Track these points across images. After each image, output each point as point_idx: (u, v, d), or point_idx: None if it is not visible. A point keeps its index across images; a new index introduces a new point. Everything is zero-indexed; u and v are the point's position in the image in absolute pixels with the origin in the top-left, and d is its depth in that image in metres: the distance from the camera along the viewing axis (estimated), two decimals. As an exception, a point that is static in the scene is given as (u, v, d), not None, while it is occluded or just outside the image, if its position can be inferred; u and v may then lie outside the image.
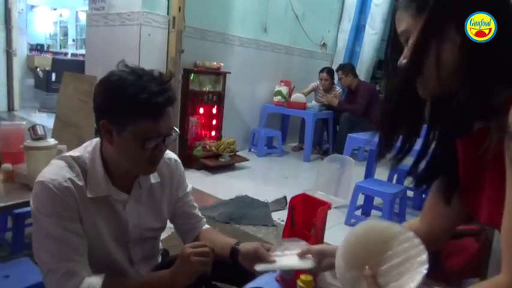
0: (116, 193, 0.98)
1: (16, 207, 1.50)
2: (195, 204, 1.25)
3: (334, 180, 1.39)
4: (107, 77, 0.91)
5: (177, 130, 0.98)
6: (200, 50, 3.77)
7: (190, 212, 1.21)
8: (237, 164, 3.80)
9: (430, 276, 1.97)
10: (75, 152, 0.97)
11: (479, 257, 1.72)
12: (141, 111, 0.87)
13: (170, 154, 1.14)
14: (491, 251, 1.67)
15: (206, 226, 1.25)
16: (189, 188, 1.22)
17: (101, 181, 0.95)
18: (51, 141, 1.79)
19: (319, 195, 1.35)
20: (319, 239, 1.31)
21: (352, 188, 2.36)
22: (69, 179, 0.90)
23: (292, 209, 1.33)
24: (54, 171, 0.91)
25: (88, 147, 0.98)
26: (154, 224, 1.11)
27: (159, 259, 1.24)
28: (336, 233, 2.36)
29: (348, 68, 4.59)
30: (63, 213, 0.88)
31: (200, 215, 1.25)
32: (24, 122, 1.79)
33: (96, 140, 0.99)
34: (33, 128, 1.85)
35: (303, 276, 1.17)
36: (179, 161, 1.18)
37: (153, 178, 1.06)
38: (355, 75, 4.61)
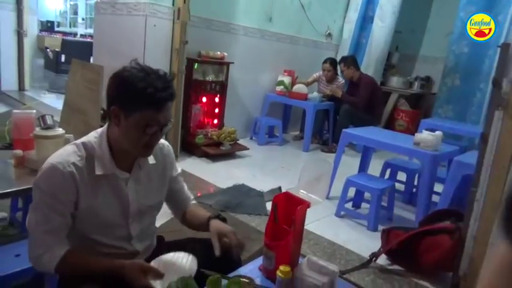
0: (119, 172, 1.15)
1: (26, 193, 1.63)
2: (185, 185, 1.44)
3: (314, 180, 1.51)
4: (121, 71, 1.08)
5: (172, 121, 1.16)
6: (205, 39, 3.84)
7: (180, 190, 1.41)
8: (237, 152, 3.92)
9: (407, 270, 2.12)
10: (83, 139, 1.15)
11: (453, 254, 1.85)
12: (146, 102, 1.04)
13: (163, 140, 1.31)
14: (464, 248, 1.80)
15: (193, 203, 1.45)
16: (179, 170, 1.41)
17: (107, 161, 1.12)
18: (59, 130, 1.90)
19: (301, 194, 1.48)
20: (298, 234, 1.45)
21: (330, 188, 2.48)
22: (73, 163, 1.07)
23: (275, 206, 1.46)
24: (62, 155, 1.09)
25: (94, 135, 1.16)
26: (151, 201, 1.27)
27: (155, 242, 1.39)
28: (326, 224, 2.51)
29: (350, 60, 4.63)
30: (58, 195, 1.06)
31: (189, 194, 1.46)
32: (34, 111, 1.90)
33: (102, 128, 1.16)
34: (42, 117, 1.96)
35: (281, 267, 1.31)
36: (170, 146, 1.36)
37: (151, 160, 1.23)
38: (357, 68, 4.65)
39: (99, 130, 1.17)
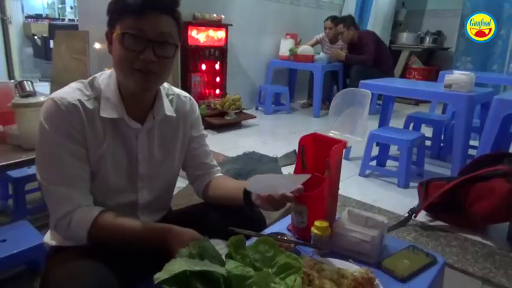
0: (129, 120, 0.95)
1: (9, 168, 1.40)
2: (209, 151, 1.19)
3: (348, 117, 1.23)
4: None
5: (177, 44, 0.93)
6: (198, 0, 3.52)
7: (203, 156, 1.16)
8: (243, 122, 3.65)
9: (452, 225, 1.81)
10: (90, 78, 0.96)
11: (510, 200, 1.58)
12: (124, 9, 0.86)
13: (185, 94, 1.12)
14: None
15: (219, 174, 1.18)
16: (204, 131, 1.17)
17: (115, 104, 0.92)
18: (42, 97, 1.69)
19: (332, 134, 1.20)
20: (334, 181, 1.18)
21: (368, 126, 2.18)
22: (79, 100, 0.89)
23: (303, 150, 1.19)
24: (67, 91, 0.91)
25: (104, 75, 0.97)
26: (165, 164, 1.05)
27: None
28: (351, 185, 2.23)
29: (349, 20, 4.28)
30: (68, 130, 0.87)
31: (214, 162, 1.19)
32: (12, 81, 1.67)
33: (112, 69, 0.96)
34: (20, 84, 1.72)
35: (317, 223, 1.05)
36: (195, 103, 1.14)
37: (168, 110, 1.02)
38: (357, 27, 4.33)
39: (108, 71, 0.97)
